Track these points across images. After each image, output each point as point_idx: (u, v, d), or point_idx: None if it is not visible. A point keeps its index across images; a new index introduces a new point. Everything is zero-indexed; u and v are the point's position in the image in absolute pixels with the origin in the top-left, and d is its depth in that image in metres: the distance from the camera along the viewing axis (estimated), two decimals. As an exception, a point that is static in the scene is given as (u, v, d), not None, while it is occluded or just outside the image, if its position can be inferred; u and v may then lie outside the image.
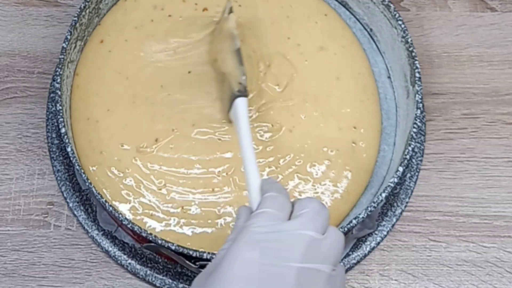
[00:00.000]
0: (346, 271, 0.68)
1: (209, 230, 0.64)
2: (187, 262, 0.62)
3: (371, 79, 0.72)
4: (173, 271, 0.67)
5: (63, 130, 0.62)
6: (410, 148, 0.63)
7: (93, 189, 0.61)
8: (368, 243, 0.68)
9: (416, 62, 0.65)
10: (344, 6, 0.75)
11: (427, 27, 0.79)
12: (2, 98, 0.75)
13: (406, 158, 0.62)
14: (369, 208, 0.60)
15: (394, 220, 0.69)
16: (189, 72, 0.69)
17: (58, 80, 0.64)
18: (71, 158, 0.62)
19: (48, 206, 0.71)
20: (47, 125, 0.72)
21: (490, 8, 0.81)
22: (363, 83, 0.71)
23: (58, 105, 0.63)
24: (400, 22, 0.67)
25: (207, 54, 0.70)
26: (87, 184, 0.61)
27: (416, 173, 0.70)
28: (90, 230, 0.68)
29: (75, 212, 0.69)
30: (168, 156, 0.66)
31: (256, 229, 0.49)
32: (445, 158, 0.74)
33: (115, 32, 0.71)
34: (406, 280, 0.69)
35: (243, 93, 0.63)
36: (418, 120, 0.63)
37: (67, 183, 0.70)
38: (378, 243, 0.68)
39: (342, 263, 0.67)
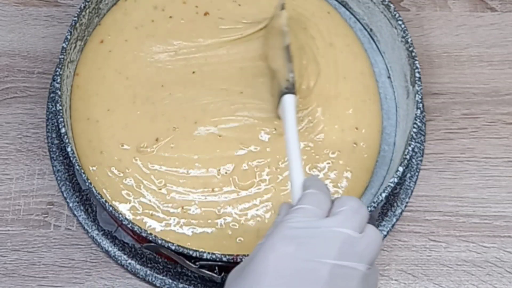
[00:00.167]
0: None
1: (209, 230, 0.64)
2: (187, 262, 0.61)
3: (373, 79, 0.72)
4: (173, 271, 0.67)
5: (63, 130, 0.62)
6: (410, 148, 0.63)
7: (93, 189, 0.61)
8: (368, 243, 0.68)
9: (416, 62, 0.65)
10: (344, 6, 0.75)
11: (427, 27, 0.79)
12: (2, 98, 0.75)
13: (406, 158, 0.62)
14: (369, 208, 0.60)
15: (394, 220, 0.69)
16: (193, 72, 0.69)
17: (58, 80, 0.64)
18: (71, 158, 0.62)
19: (48, 206, 0.71)
20: (47, 125, 0.72)
21: (490, 8, 0.81)
22: (365, 83, 0.71)
23: (58, 105, 0.63)
24: (400, 22, 0.67)
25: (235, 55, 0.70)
26: (87, 184, 0.61)
27: (416, 173, 0.70)
28: (90, 230, 0.68)
29: (75, 212, 0.69)
30: (168, 155, 0.66)
31: (293, 224, 0.49)
32: (445, 158, 0.74)
33: (115, 32, 0.71)
34: (406, 280, 0.69)
35: (291, 90, 0.63)
36: (418, 120, 0.63)
37: (67, 183, 0.70)
38: (378, 243, 0.68)
39: None
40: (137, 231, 0.59)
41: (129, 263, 0.67)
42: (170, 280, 0.67)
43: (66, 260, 0.69)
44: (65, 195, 0.69)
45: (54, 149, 0.70)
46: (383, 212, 0.69)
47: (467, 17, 0.80)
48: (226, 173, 0.66)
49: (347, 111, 0.69)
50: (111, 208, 0.60)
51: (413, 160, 0.71)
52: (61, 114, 0.63)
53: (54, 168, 0.70)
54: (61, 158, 0.70)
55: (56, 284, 0.68)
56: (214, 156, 0.66)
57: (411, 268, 0.70)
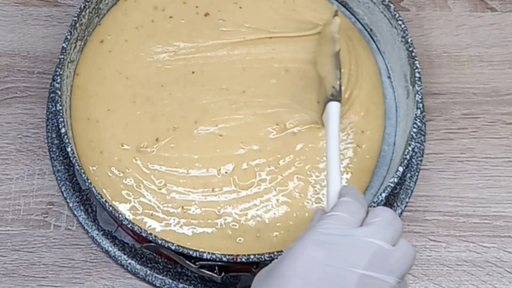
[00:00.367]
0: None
1: (209, 230, 0.64)
2: (187, 262, 0.61)
3: (380, 79, 0.71)
4: (173, 271, 0.67)
5: (63, 130, 0.62)
6: (410, 148, 0.63)
7: (93, 189, 0.61)
8: (368, 243, 0.68)
9: (416, 62, 0.65)
10: (344, 6, 0.75)
11: (427, 27, 0.79)
12: (2, 98, 0.75)
13: (406, 158, 0.62)
14: (369, 209, 0.60)
15: (394, 220, 0.69)
16: (193, 72, 0.69)
17: (58, 80, 0.64)
18: (71, 158, 0.62)
19: (48, 206, 0.71)
20: (47, 125, 0.72)
21: (490, 8, 0.81)
22: (373, 83, 0.71)
23: (58, 105, 0.63)
24: (400, 22, 0.67)
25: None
26: (87, 184, 0.61)
27: (416, 173, 0.70)
28: (90, 230, 0.68)
29: (75, 212, 0.69)
30: (168, 155, 0.66)
31: (325, 230, 0.49)
32: (445, 158, 0.74)
33: (115, 32, 0.71)
34: (406, 280, 0.69)
35: (336, 97, 0.63)
36: (418, 120, 0.63)
37: (67, 183, 0.70)
38: (378, 243, 0.68)
39: None
40: (137, 231, 0.59)
41: (129, 263, 0.67)
42: (170, 280, 0.67)
43: (66, 260, 0.69)
44: (65, 195, 0.69)
45: (54, 149, 0.71)
46: (383, 212, 0.69)
47: (467, 17, 0.80)
48: (226, 173, 0.66)
49: (359, 114, 0.69)
50: (111, 208, 0.60)
51: (413, 160, 0.71)
52: (61, 114, 0.63)
53: (54, 168, 0.70)
54: (61, 158, 0.70)
55: (56, 284, 0.68)
56: (214, 155, 0.66)
57: (411, 268, 0.69)
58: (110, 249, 0.68)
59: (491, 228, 0.71)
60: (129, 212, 0.64)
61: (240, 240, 0.63)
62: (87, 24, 0.69)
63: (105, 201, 0.60)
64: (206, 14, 0.72)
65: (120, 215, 0.60)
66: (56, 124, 0.71)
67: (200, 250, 0.59)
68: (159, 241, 0.59)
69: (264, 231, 0.64)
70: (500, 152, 0.74)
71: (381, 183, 0.68)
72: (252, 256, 0.58)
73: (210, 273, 0.62)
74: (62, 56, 0.65)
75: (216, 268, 0.62)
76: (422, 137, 0.72)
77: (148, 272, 0.67)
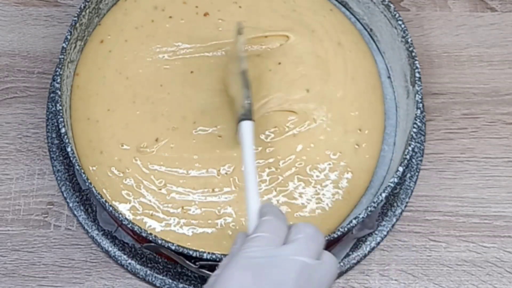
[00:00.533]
0: (346, 271, 0.68)
1: (209, 230, 0.64)
2: (187, 262, 0.62)
3: (379, 79, 0.71)
4: (173, 271, 0.67)
5: (63, 130, 0.62)
6: (410, 148, 0.63)
7: (93, 189, 0.61)
8: (368, 243, 0.68)
9: (416, 62, 0.65)
10: (344, 6, 0.75)
11: (427, 27, 0.79)
12: (2, 98, 0.75)
13: (406, 158, 0.62)
14: (369, 208, 0.60)
15: (394, 220, 0.69)
16: (192, 72, 0.69)
17: (58, 80, 0.64)
18: (71, 158, 0.62)
19: (48, 206, 0.71)
20: (47, 125, 0.72)
21: (490, 8, 0.81)
22: (372, 83, 0.71)
23: (58, 105, 0.63)
24: (400, 22, 0.67)
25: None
26: (87, 184, 0.61)
27: (416, 173, 0.70)
28: (90, 230, 0.68)
29: (75, 212, 0.69)
30: (168, 155, 0.66)
31: (250, 254, 0.49)
32: (445, 158, 0.74)
33: (115, 32, 0.71)
34: (406, 280, 0.69)
35: (248, 116, 0.62)
36: (418, 120, 0.63)
37: (67, 183, 0.70)
38: (378, 243, 0.68)
39: (342, 263, 0.67)
40: (137, 231, 0.59)
41: (129, 263, 0.67)
42: (170, 280, 0.67)
43: (66, 260, 0.69)
44: (65, 195, 0.69)
45: (54, 149, 0.71)
46: (383, 212, 0.69)
47: (467, 17, 0.80)
48: (226, 173, 0.66)
49: (352, 112, 0.68)
50: (111, 208, 0.60)
51: (413, 160, 0.71)
52: (61, 114, 0.63)
53: (54, 168, 0.70)
54: (61, 158, 0.70)
55: (56, 284, 0.68)
56: (214, 156, 0.66)
57: (411, 268, 0.70)
58: (110, 249, 0.68)
59: (491, 228, 0.71)
60: (129, 212, 0.64)
61: (240, 240, 0.63)
62: (87, 24, 0.69)
63: (105, 201, 0.60)
64: (206, 14, 0.72)
65: (120, 215, 0.60)
66: (56, 124, 0.71)
67: (200, 250, 0.59)
68: (159, 241, 0.59)
69: (264, 231, 0.64)
70: (500, 152, 0.74)
71: (381, 183, 0.68)
72: (252, 256, 0.58)
73: (210, 273, 0.62)
74: (62, 56, 0.65)
75: (216, 268, 0.61)
76: (422, 137, 0.72)
77: (148, 272, 0.67)
